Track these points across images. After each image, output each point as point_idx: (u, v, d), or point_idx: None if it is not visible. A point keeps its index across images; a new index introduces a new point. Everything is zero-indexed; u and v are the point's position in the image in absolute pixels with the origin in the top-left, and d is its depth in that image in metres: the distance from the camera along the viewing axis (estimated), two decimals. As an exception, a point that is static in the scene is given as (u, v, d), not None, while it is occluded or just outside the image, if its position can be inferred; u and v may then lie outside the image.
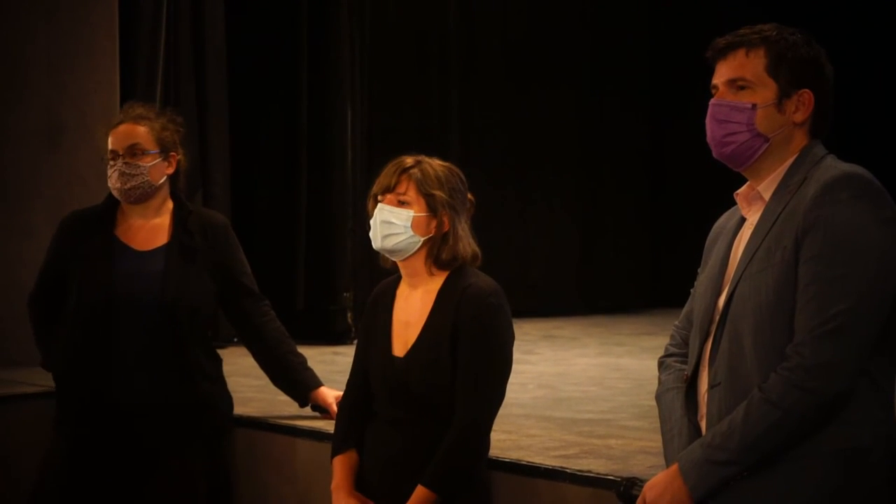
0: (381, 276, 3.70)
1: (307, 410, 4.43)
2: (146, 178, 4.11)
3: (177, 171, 4.21)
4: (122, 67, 6.45)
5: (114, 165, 4.11)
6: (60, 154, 6.23)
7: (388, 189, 3.49)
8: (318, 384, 4.36)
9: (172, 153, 4.18)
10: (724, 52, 2.82)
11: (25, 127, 6.18)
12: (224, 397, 4.27)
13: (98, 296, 4.05)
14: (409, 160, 3.52)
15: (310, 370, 4.38)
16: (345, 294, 7.39)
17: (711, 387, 2.76)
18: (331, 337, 7.23)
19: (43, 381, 5.25)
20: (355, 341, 3.78)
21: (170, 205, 4.22)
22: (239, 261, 4.30)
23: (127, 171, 4.09)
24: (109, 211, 4.19)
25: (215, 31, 7.16)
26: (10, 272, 6.03)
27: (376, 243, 3.51)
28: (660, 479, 2.76)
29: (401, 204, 3.48)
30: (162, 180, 4.16)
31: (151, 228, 4.17)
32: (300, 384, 4.36)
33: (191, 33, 7.04)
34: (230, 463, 4.39)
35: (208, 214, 4.36)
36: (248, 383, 5.14)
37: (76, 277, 4.11)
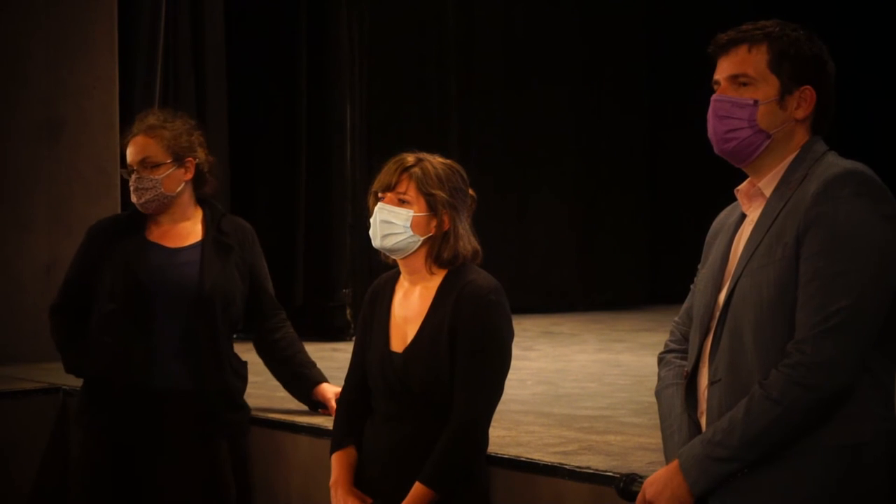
0: (381, 273, 3.70)
1: (305, 406, 4.43)
2: (160, 191, 4.12)
3: (199, 173, 4.21)
4: (121, 63, 6.46)
5: (131, 180, 4.15)
6: (59, 149, 6.23)
7: (389, 187, 3.48)
8: (322, 381, 4.37)
9: (189, 158, 4.17)
10: (726, 48, 2.81)
11: (25, 122, 6.18)
12: (244, 398, 4.29)
13: (135, 287, 4.08)
14: (410, 158, 3.51)
15: (317, 369, 4.39)
16: (344, 290, 7.40)
17: (711, 383, 2.76)
18: (330, 333, 7.24)
19: (42, 377, 5.25)
20: (354, 337, 3.77)
21: (198, 209, 4.24)
22: (264, 266, 4.35)
23: (140, 186, 4.12)
24: (138, 216, 4.21)
25: (214, 27, 7.15)
26: (9, 267, 6.03)
27: (376, 242, 3.50)
28: (660, 475, 2.76)
29: (401, 203, 3.47)
30: (179, 188, 4.16)
31: (182, 229, 4.20)
32: (305, 381, 4.36)
33: (190, 30, 7.04)
34: (250, 463, 4.39)
35: (239, 219, 4.39)
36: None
37: (109, 276, 4.12)
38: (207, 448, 4.12)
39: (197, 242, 4.18)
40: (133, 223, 4.21)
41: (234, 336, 4.27)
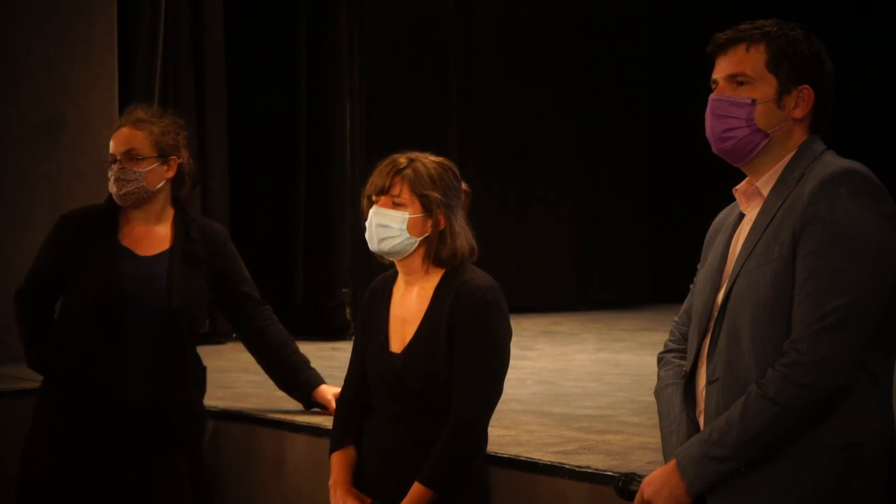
0: (380, 272, 3.70)
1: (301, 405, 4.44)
2: (142, 184, 4.09)
3: (180, 174, 4.19)
4: (120, 63, 6.46)
5: (112, 170, 4.11)
6: (59, 149, 6.23)
7: (382, 191, 3.47)
8: (320, 382, 4.37)
9: (172, 157, 4.15)
10: (724, 47, 2.81)
11: (24, 121, 6.18)
12: (202, 404, 4.27)
13: (104, 298, 4.05)
14: (402, 160, 3.49)
15: (313, 370, 4.38)
16: (343, 290, 7.40)
17: (710, 382, 2.76)
18: (329, 333, 7.23)
19: (40, 377, 5.24)
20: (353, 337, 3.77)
21: (171, 210, 4.21)
22: (239, 269, 4.31)
23: (122, 177, 4.09)
24: (112, 214, 4.18)
25: (214, 26, 7.16)
26: (8, 267, 6.02)
27: (373, 246, 3.49)
28: (658, 474, 2.76)
29: (395, 206, 3.45)
30: (160, 185, 4.14)
31: (154, 234, 4.16)
32: (303, 383, 4.36)
33: (190, 28, 7.04)
34: (209, 466, 4.37)
35: (209, 223, 4.37)
36: (246, 378, 5.15)
37: (80, 279, 4.10)
38: (169, 459, 4.09)
39: (165, 251, 4.13)
40: (106, 220, 4.16)
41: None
